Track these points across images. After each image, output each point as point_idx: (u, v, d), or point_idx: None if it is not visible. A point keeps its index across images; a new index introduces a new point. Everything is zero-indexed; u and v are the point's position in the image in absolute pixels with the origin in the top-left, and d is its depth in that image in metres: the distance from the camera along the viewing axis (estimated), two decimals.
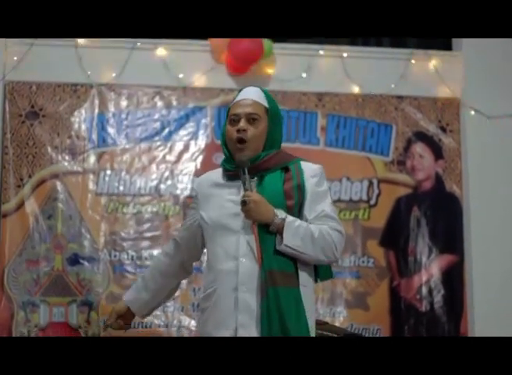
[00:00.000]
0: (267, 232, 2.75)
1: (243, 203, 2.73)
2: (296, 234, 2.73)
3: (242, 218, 2.77)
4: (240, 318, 2.72)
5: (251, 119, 2.85)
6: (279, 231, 2.74)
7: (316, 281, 2.92)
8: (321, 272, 2.90)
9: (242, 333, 2.70)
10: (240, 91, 2.97)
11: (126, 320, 3.11)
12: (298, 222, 2.76)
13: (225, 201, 2.85)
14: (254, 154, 2.84)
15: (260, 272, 2.72)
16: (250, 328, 2.70)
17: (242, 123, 2.84)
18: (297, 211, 2.81)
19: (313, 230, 2.76)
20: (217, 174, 2.96)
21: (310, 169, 2.87)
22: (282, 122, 2.98)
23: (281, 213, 2.75)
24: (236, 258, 2.76)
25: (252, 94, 2.91)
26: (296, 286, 2.75)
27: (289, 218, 2.75)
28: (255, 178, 2.84)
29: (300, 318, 2.72)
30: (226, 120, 2.92)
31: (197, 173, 5.25)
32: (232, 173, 2.87)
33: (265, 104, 2.90)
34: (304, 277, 2.80)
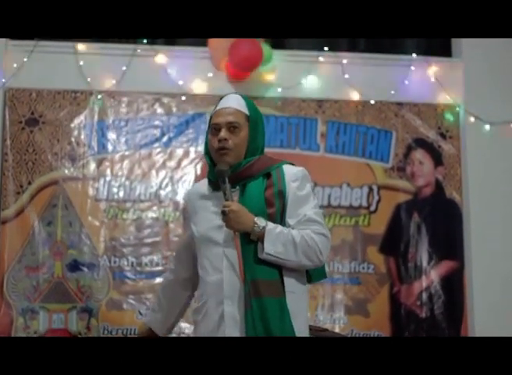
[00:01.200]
0: (249, 242, 2.74)
1: (223, 213, 2.72)
2: (276, 241, 2.71)
3: (225, 229, 2.76)
4: (227, 331, 2.72)
5: (232, 127, 2.84)
6: (260, 239, 2.72)
7: (310, 282, 2.91)
8: (314, 273, 2.89)
9: None
10: (221, 98, 2.97)
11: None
12: (279, 228, 2.74)
13: (209, 214, 2.85)
14: (235, 162, 2.83)
15: (243, 284, 2.71)
16: None
17: (223, 133, 2.83)
18: (280, 218, 2.79)
19: (294, 235, 2.74)
20: (204, 185, 2.95)
21: (291, 174, 2.85)
22: (264, 128, 2.96)
23: (261, 221, 2.73)
24: (221, 270, 2.76)
25: (232, 102, 2.90)
26: (281, 295, 2.73)
27: (270, 225, 2.73)
28: (237, 187, 2.83)
29: (284, 326, 2.70)
30: (208, 130, 2.92)
31: (197, 180, 5.25)
32: (214, 183, 2.87)
33: (246, 111, 2.88)
34: (291, 283, 2.78)
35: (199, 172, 5.30)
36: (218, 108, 2.91)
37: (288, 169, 2.86)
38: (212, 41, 5.28)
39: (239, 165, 2.82)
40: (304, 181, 2.85)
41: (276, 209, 2.78)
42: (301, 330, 2.76)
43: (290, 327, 2.70)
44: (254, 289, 2.69)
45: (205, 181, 2.97)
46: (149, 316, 3.22)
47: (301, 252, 2.73)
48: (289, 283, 2.77)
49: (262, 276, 2.71)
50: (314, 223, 2.78)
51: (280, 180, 2.81)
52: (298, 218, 2.78)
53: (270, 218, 2.76)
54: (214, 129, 2.87)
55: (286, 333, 2.68)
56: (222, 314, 2.74)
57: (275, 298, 2.71)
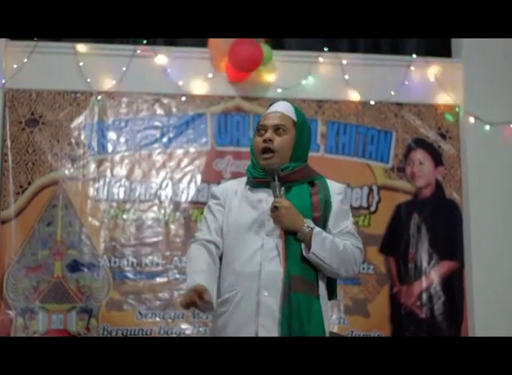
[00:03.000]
0: (293, 239, 2.80)
1: (275, 208, 2.77)
2: (323, 245, 2.78)
3: (268, 223, 2.82)
4: (262, 320, 2.73)
5: (278, 129, 2.91)
6: (306, 240, 2.78)
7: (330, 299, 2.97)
8: (333, 291, 2.95)
9: (262, 335, 2.72)
10: (270, 104, 3.03)
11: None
12: (325, 234, 2.82)
13: (251, 207, 2.88)
14: (282, 162, 2.89)
15: (283, 276, 2.75)
16: (271, 331, 2.72)
17: (268, 134, 2.90)
18: (322, 225, 2.86)
19: (338, 243, 2.82)
20: (240, 182, 3.01)
21: (336, 187, 2.94)
22: (310, 137, 3.04)
23: (309, 223, 2.80)
24: (259, 261, 2.78)
25: (281, 108, 2.98)
26: (317, 296, 2.80)
27: (317, 228, 2.81)
28: (283, 188, 2.88)
29: (318, 327, 2.75)
30: (255, 132, 2.99)
31: (197, 180, 5.27)
32: (259, 180, 2.91)
33: (293, 117, 2.96)
34: (323, 289, 2.86)
35: (199, 172, 5.30)
36: (267, 112, 3.00)
37: (331, 183, 2.96)
38: (212, 42, 5.29)
39: (287, 167, 2.89)
40: (346, 196, 2.98)
41: (321, 215, 2.85)
42: (327, 333, 2.82)
43: (322, 330, 2.76)
44: (295, 284, 2.74)
45: (241, 179, 3.02)
46: (198, 277, 2.78)
47: (342, 261, 2.82)
48: (322, 288, 2.85)
49: (303, 274, 2.77)
50: (353, 237, 2.89)
51: (325, 191, 2.90)
52: (340, 228, 2.88)
53: (314, 222, 2.83)
54: (260, 130, 2.95)
55: (318, 332, 2.74)
56: (257, 305, 2.75)
57: (312, 296, 2.77)
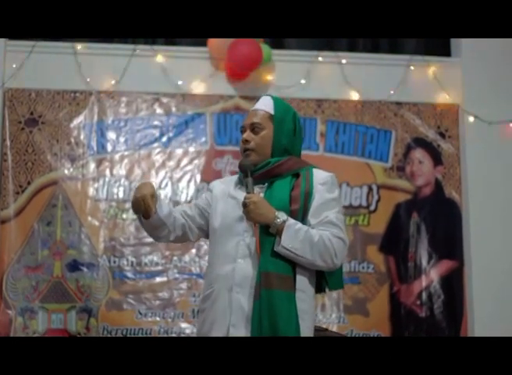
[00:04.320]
0: (268, 234, 2.78)
1: (244, 205, 2.77)
2: (295, 237, 2.75)
3: (245, 221, 2.82)
4: (233, 318, 2.74)
5: (254, 128, 2.93)
6: (279, 233, 2.76)
7: (324, 291, 2.94)
8: (331, 281, 2.91)
9: (233, 333, 2.73)
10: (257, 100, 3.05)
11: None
12: (299, 225, 2.78)
13: (231, 205, 2.90)
14: (260, 160, 2.90)
15: (255, 273, 2.75)
16: (240, 328, 2.73)
17: (245, 134, 2.93)
18: (301, 217, 2.83)
19: (313, 234, 2.77)
20: (232, 180, 3.03)
21: (320, 177, 2.90)
22: (294, 129, 2.97)
23: (282, 215, 2.77)
24: (235, 259, 2.80)
25: (259, 104, 3.00)
26: (291, 290, 2.76)
27: (290, 220, 2.77)
28: (265, 184, 2.89)
29: (290, 321, 2.72)
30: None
31: (197, 179, 5.28)
32: (241, 179, 2.94)
33: (271, 111, 2.95)
34: (303, 282, 2.81)
35: (198, 172, 5.30)
36: (249, 111, 3.03)
37: (317, 173, 2.92)
38: (212, 41, 5.28)
39: (268, 163, 2.90)
40: (332, 186, 2.91)
41: (299, 207, 2.82)
42: (306, 331, 2.78)
43: (296, 324, 2.72)
44: (266, 280, 2.72)
45: (233, 177, 3.05)
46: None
47: (317, 252, 2.76)
48: (301, 281, 2.80)
49: (275, 270, 2.75)
50: (334, 226, 2.82)
51: (308, 181, 2.87)
52: (319, 219, 2.82)
53: (292, 215, 2.80)
54: (241, 131, 2.98)
55: (290, 329, 2.70)
56: (229, 302, 2.76)
57: (284, 291, 2.74)
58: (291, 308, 2.73)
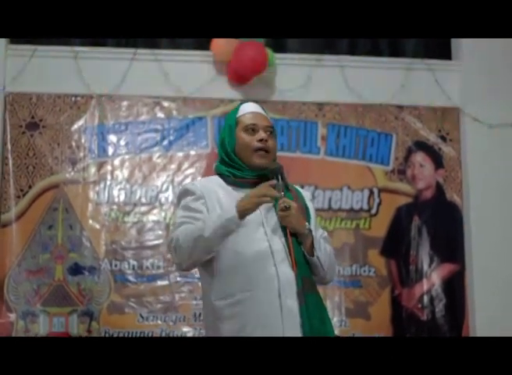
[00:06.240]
0: (296, 240, 2.76)
1: (286, 208, 2.70)
2: (322, 249, 2.79)
3: (267, 223, 2.75)
4: (285, 323, 2.67)
5: (269, 132, 2.86)
6: (307, 242, 2.76)
7: None
8: None
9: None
10: (240, 104, 2.96)
11: None
12: (317, 238, 2.81)
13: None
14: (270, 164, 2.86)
15: (295, 278, 2.72)
16: (294, 333, 2.66)
17: (263, 134, 2.84)
18: None
19: (328, 249, 2.84)
20: (214, 182, 2.88)
21: (305, 193, 2.96)
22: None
23: (308, 225, 2.78)
24: (273, 263, 2.72)
25: (261, 110, 2.92)
26: (319, 293, 2.80)
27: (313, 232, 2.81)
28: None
29: (331, 323, 2.79)
30: (235, 129, 2.88)
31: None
32: (246, 180, 2.83)
33: (270, 121, 2.93)
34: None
35: (199, 175, 5.30)
36: (247, 111, 2.91)
37: (299, 188, 2.95)
38: (216, 45, 5.28)
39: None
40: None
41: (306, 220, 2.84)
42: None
43: (331, 324, 2.80)
44: (307, 285, 2.73)
45: (209, 179, 2.93)
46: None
47: (330, 266, 2.84)
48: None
49: (309, 275, 2.77)
50: (330, 243, 2.89)
51: (302, 196, 2.90)
52: (319, 234, 2.86)
53: None
54: (251, 129, 2.85)
55: (332, 330, 2.78)
56: (279, 307, 2.69)
57: (318, 294, 2.78)
58: (326, 310, 2.80)
